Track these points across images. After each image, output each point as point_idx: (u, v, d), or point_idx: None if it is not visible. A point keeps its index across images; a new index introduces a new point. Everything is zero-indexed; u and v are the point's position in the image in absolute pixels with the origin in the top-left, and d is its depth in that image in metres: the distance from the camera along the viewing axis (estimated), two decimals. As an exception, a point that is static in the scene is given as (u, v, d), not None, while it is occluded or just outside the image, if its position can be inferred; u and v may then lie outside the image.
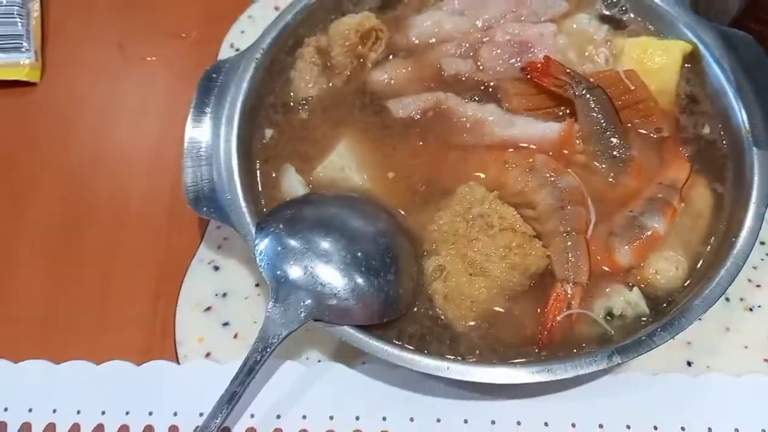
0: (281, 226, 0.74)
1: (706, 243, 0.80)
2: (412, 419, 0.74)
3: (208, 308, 0.82)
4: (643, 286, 0.77)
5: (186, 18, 1.04)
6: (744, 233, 0.76)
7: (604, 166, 0.83)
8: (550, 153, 0.84)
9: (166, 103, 0.98)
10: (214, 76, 0.86)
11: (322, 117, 0.88)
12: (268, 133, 0.87)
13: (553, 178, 0.81)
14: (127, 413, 0.74)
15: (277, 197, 0.82)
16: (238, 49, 0.99)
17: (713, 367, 0.78)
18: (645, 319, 0.75)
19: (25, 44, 1.00)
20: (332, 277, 0.71)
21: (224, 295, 0.82)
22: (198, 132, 0.82)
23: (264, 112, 0.88)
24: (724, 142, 0.85)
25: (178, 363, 0.78)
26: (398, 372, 0.75)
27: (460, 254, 0.76)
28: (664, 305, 0.76)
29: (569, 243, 0.77)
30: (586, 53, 0.91)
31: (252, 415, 0.73)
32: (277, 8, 1.02)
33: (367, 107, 0.88)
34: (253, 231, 0.75)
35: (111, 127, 0.97)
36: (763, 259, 0.85)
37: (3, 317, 0.82)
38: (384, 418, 0.74)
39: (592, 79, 0.85)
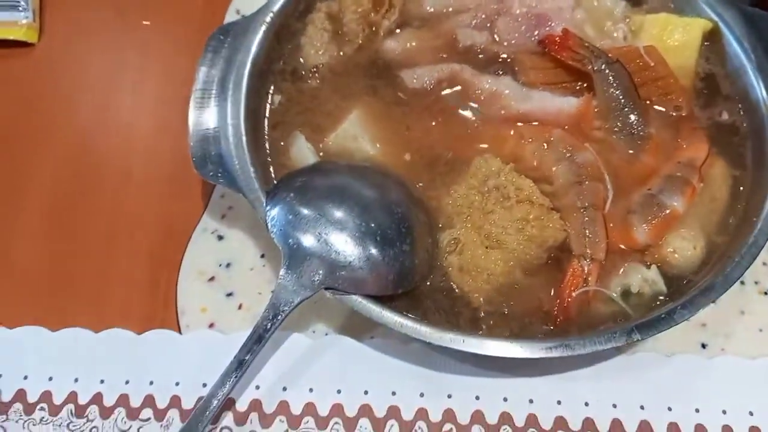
0: (292, 194, 0.72)
1: (725, 223, 0.78)
2: (422, 394, 0.72)
3: (212, 278, 0.79)
4: (660, 264, 0.75)
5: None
6: (765, 213, 0.75)
7: (621, 142, 0.81)
8: (567, 128, 0.81)
9: (168, 68, 0.95)
10: (221, 37, 0.83)
11: (332, 86, 0.85)
12: (277, 99, 0.84)
13: (570, 154, 0.79)
14: (127, 382, 0.72)
15: (286, 164, 0.80)
16: (243, 15, 0.95)
17: (727, 349, 0.77)
18: (662, 298, 0.73)
19: (22, 3, 0.97)
20: (346, 245, 0.69)
21: (228, 265, 0.80)
22: (204, 96, 0.79)
23: (273, 78, 0.85)
24: (743, 121, 0.84)
25: (180, 333, 0.75)
26: (408, 346, 0.73)
27: (476, 227, 0.74)
28: (682, 284, 0.74)
29: (586, 218, 0.75)
30: (605, 29, 0.89)
31: (257, 387, 0.71)
32: (286, -27, 0.98)
33: (379, 77, 0.86)
34: (262, 197, 0.73)
35: (111, 92, 0.94)
36: (779, 243, 0.83)
37: (0, 282, 0.79)
38: (393, 393, 0.71)
39: (611, 55, 0.83)
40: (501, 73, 0.86)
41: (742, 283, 0.80)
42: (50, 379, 0.72)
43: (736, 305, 0.79)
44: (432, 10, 0.90)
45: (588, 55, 0.83)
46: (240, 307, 0.77)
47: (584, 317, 0.72)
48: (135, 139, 0.89)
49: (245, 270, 0.79)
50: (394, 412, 0.70)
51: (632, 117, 0.81)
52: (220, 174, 0.74)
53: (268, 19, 0.84)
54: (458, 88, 0.85)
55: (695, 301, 0.70)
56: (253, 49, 0.82)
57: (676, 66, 0.86)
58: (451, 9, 0.90)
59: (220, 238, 0.82)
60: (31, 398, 0.71)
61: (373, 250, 0.69)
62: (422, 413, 0.70)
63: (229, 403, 0.70)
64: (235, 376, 0.64)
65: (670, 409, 0.72)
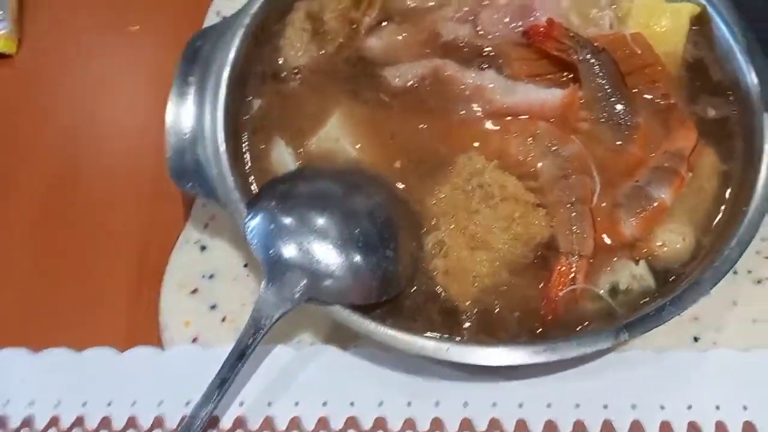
0: (273, 202, 0.71)
1: (715, 213, 0.76)
2: (409, 403, 0.71)
3: (195, 290, 0.78)
4: (649, 259, 0.74)
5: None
6: (755, 202, 0.73)
7: (608, 133, 0.79)
8: (552, 120, 0.80)
9: (150, 74, 0.94)
10: (199, 44, 0.81)
11: (313, 87, 0.83)
12: (257, 103, 0.82)
13: (555, 147, 0.77)
14: (110, 404, 0.70)
15: (267, 170, 0.78)
16: (224, 17, 0.94)
17: (720, 342, 0.75)
18: (651, 293, 0.72)
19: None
20: (328, 254, 0.68)
21: (211, 276, 0.79)
22: (182, 103, 0.77)
23: (252, 82, 0.83)
24: (733, 107, 0.81)
25: (162, 348, 0.74)
26: (395, 354, 0.72)
27: (461, 228, 0.73)
28: (672, 279, 0.73)
29: (573, 214, 0.74)
30: (590, 16, 0.86)
31: (241, 403, 0.70)
32: (265, -28, 0.96)
33: (361, 76, 0.84)
34: (242, 207, 0.72)
35: (92, 101, 0.92)
36: (771, 230, 0.82)
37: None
38: (380, 404, 0.70)
39: (596, 43, 0.81)
40: (485, 66, 0.84)
41: (735, 272, 0.78)
42: (32, 403, 0.71)
43: (729, 296, 0.77)
44: (413, 4, 0.88)
45: (573, 44, 0.81)
46: (224, 319, 0.76)
47: (572, 315, 0.71)
48: (116, 149, 0.88)
49: (228, 281, 0.78)
50: (380, 423, 0.69)
51: (619, 107, 0.80)
52: (198, 185, 0.73)
53: (246, 22, 0.82)
54: (442, 83, 0.83)
55: (685, 297, 0.69)
56: (231, 54, 0.80)
57: (665, 52, 0.83)
58: (433, 3, 0.88)
59: (203, 248, 0.80)
60: (13, 424, 0.70)
61: (357, 258, 0.68)
62: (410, 423, 0.69)
63: (213, 422, 0.69)
64: (218, 395, 0.63)
65: (662, 407, 0.71)
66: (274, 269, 0.67)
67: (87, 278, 0.80)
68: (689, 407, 0.71)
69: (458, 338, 0.69)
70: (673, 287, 0.71)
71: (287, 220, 0.69)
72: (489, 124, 0.81)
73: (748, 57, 0.81)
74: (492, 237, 0.72)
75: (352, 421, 0.69)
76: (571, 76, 0.82)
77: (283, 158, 0.78)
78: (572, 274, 0.72)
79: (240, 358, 0.64)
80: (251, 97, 0.83)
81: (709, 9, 0.85)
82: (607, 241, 0.74)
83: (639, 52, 0.83)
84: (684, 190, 0.76)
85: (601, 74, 0.80)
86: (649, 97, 0.82)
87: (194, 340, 0.75)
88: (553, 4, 0.86)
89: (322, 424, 0.69)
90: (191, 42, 0.81)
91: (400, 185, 0.77)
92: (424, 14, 0.88)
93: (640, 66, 0.82)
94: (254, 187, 0.77)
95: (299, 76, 0.84)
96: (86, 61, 0.95)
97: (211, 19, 0.95)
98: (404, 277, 0.71)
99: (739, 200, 0.75)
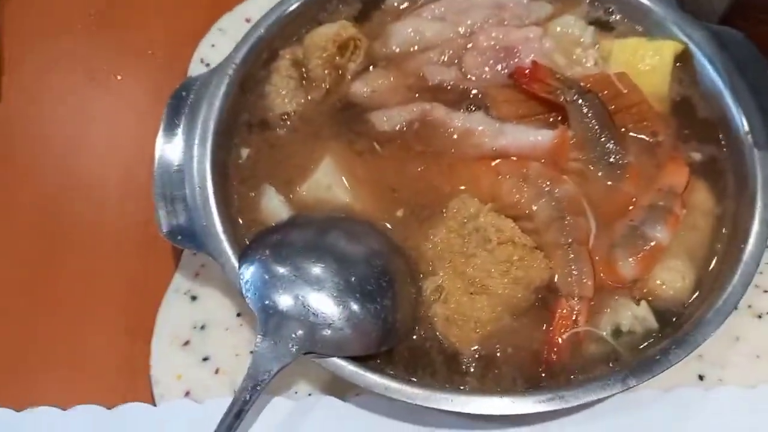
0: (267, 252, 0.69)
1: (712, 250, 0.76)
2: (411, 453, 0.68)
3: (186, 342, 0.75)
4: (650, 299, 0.73)
5: (153, 33, 0.98)
6: (752, 239, 0.73)
7: (600, 172, 0.79)
8: (544, 161, 0.79)
9: (137, 125, 0.92)
10: (184, 94, 0.80)
11: (301, 133, 0.83)
12: (245, 152, 0.81)
13: (549, 188, 0.77)
14: (98, 469, 0.68)
15: (257, 220, 0.77)
16: (209, 65, 0.93)
17: (726, 379, 0.75)
18: (654, 334, 0.71)
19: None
20: (325, 305, 0.66)
21: (203, 327, 0.76)
22: (169, 156, 0.76)
23: (239, 131, 0.82)
24: (723, 144, 0.82)
25: (154, 404, 0.71)
26: (396, 403, 0.70)
27: (459, 272, 0.71)
28: (674, 319, 0.72)
29: (571, 255, 0.73)
30: (574, 56, 0.87)
31: (239, 459, 0.67)
32: (248, 20, 0.96)
33: (348, 121, 0.83)
34: (232, 258, 0.70)
35: (79, 153, 0.91)
36: (768, 263, 0.81)
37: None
38: (382, 454, 0.68)
39: (582, 84, 0.82)
40: (473, 108, 0.83)
41: (735, 307, 0.77)
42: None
43: (731, 331, 0.77)
44: (398, 50, 0.88)
45: (559, 86, 0.81)
46: (217, 371, 0.74)
47: (576, 359, 0.70)
48: (104, 200, 0.86)
49: (221, 331, 0.76)
50: (382, 476, 0.67)
51: (609, 146, 0.79)
52: (188, 238, 0.71)
53: (230, 71, 0.81)
54: (430, 127, 0.82)
55: (690, 339, 0.68)
56: (217, 104, 0.79)
57: (650, 90, 0.84)
58: (417, 47, 0.88)
59: (194, 298, 0.78)
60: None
61: (355, 307, 0.67)
62: (412, 475, 0.67)
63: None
64: (214, 457, 0.61)
65: (670, 448, 0.70)
66: (269, 322, 0.65)
67: (74, 333, 0.77)
68: (698, 448, 0.70)
69: (461, 387, 0.67)
70: (677, 327, 0.71)
71: (282, 270, 0.68)
72: (479, 167, 0.80)
73: (733, 93, 0.82)
74: (491, 281, 0.70)
75: (352, 476, 0.67)
76: (559, 117, 0.82)
77: (274, 206, 0.77)
78: (574, 317, 0.70)
79: (237, 416, 0.61)
80: (239, 146, 0.82)
81: (692, 46, 0.86)
82: (608, 281, 0.74)
83: (625, 91, 0.83)
84: (680, 227, 0.76)
85: (589, 114, 0.80)
86: (638, 135, 0.82)
87: (187, 394, 0.72)
88: (537, 45, 0.87)
89: (322, 479, 0.67)
90: (176, 93, 0.80)
91: (394, 230, 0.76)
92: (408, 58, 0.88)
93: (627, 105, 0.82)
94: (246, 240, 0.75)
95: (287, 123, 0.83)
96: (72, 113, 0.94)
97: (196, 66, 0.94)
98: (404, 326, 0.69)
99: (735, 237, 0.75)
